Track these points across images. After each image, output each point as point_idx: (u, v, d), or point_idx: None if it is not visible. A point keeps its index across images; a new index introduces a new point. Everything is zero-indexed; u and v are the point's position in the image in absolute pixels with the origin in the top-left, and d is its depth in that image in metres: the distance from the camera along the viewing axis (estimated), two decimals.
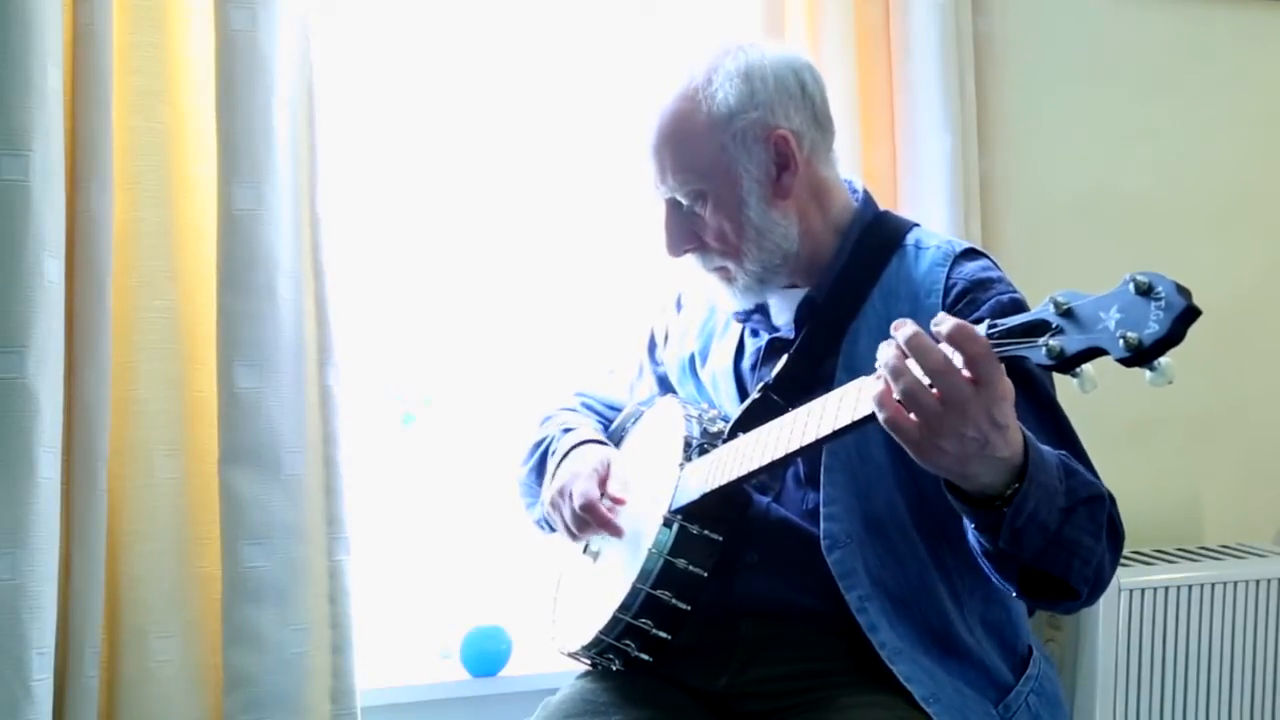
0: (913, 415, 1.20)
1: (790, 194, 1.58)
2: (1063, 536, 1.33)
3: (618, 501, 1.66)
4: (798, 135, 1.57)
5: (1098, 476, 1.46)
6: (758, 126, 1.56)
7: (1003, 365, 1.20)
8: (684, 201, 1.59)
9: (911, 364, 1.20)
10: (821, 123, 1.61)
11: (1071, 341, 1.12)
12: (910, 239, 1.62)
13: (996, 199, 2.50)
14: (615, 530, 1.63)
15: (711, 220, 1.58)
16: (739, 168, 1.56)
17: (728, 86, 1.55)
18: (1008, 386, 1.21)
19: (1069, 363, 1.13)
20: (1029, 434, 1.30)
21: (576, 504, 1.65)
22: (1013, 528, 1.28)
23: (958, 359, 1.19)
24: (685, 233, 1.61)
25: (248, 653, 1.99)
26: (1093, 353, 1.11)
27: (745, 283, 1.60)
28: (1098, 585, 1.40)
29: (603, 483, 1.68)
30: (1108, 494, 1.43)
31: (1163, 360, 1.08)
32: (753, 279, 1.60)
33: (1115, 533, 1.43)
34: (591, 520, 1.64)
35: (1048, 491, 1.30)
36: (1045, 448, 1.35)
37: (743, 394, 1.67)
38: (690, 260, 1.63)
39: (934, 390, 1.18)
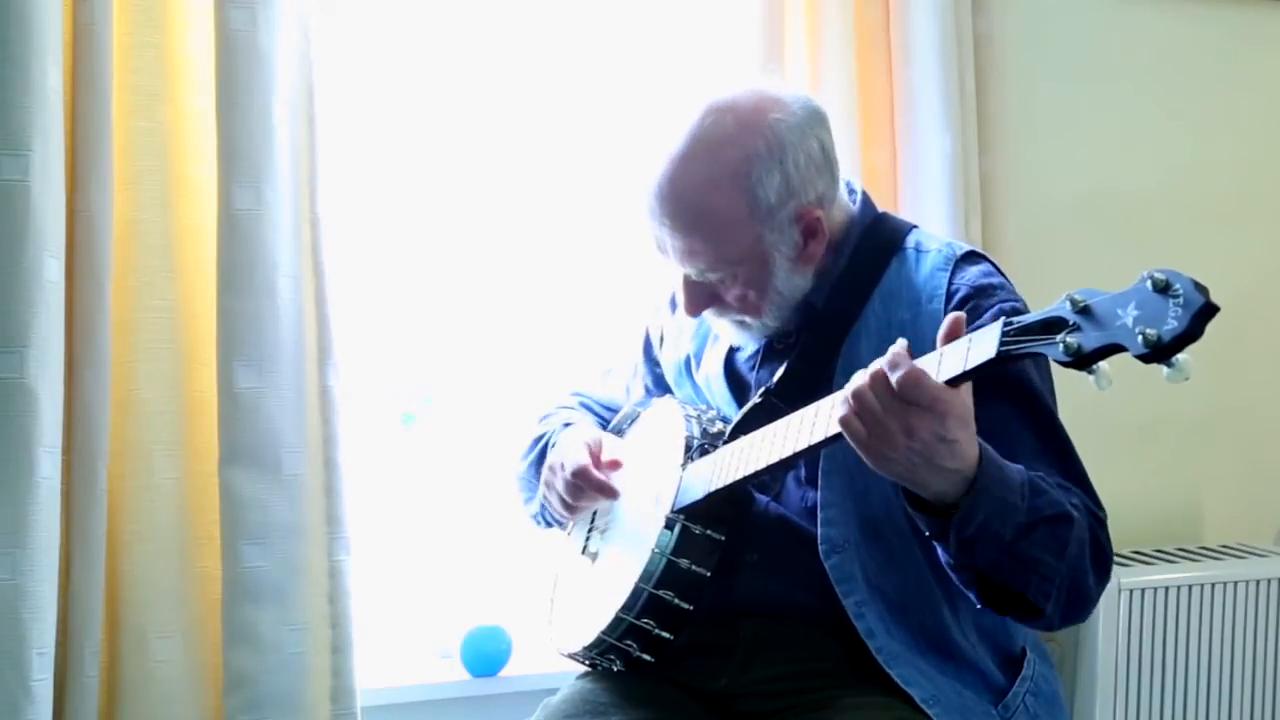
0: (862, 422, 1.28)
1: (816, 258, 1.58)
2: (1019, 551, 1.34)
3: (613, 466, 1.66)
4: (823, 201, 1.56)
5: (1091, 494, 1.46)
6: (794, 210, 1.54)
7: (960, 387, 1.27)
8: (711, 279, 1.58)
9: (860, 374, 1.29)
10: (835, 171, 1.59)
11: (1089, 338, 1.13)
12: (910, 241, 1.62)
13: (996, 199, 2.50)
14: (611, 491, 1.63)
15: (736, 289, 1.57)
16: (773, 251, 1.54)
17: (765, 178, 1.51)
18: (959, 404, 1.27)
19: (1086, 359, 1.13)
20: (988, 449, 1.32)
21: (568, 472, 1.65)
22: (960, 537, 1.32)
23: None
24: (707, 297, 1.60)
25: (248, 653, 1.99)
26: (1111, 349, 1.12)
27: (760, 329, 1.62)
28: (1075, 604, 1.41)
29: (595, 457, 1.68)
30: (1091, 515, 1.43)
31: (1180, 357, 1.09)
32: (768, 329, 1.61)
33: (1100, 553, 1.43)
34: (586, 485, 1.64)
35: (1003, 506, 1.32)
36: (1015, 466, 1.36)
37: (737, 395, 1.67)
38: (706, 312, 1.63)
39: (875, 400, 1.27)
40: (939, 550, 1.39)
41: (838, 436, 1.36)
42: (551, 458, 1.73)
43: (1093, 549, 1.41)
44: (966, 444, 1.29)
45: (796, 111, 1.55)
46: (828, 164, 1.57)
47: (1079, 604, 1.42)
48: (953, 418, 1.26)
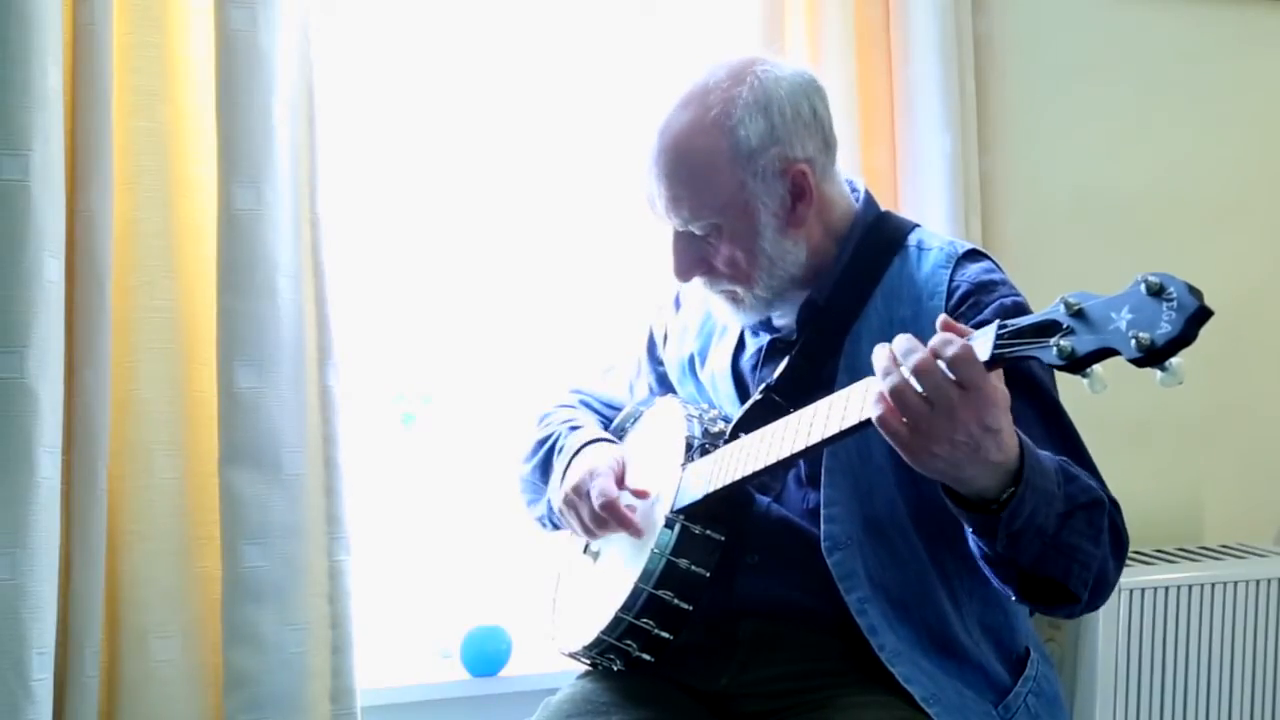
0: (904, 417, 1.23)
1: (804, 223, 1.57)
2: (1061, 541, 1.34)
3: (640, 495, 1.64)
4: (812, 164, 1.56)
5: (1102, 481, 1.46)
6: (777, 161, 1.54)
7: (997, 371, 1.23)
8: (697, 232, 1.58)
9: (901, 366, 1.23)
10: (829, 143, 1.60)
11: (1083, 342, 1.13)
12: (912, 240, 1.62)
13: (996, 199, 2.51)
14: (636, 530, 1.61)
15: (724, 250, 1.57)
16: (757, 203, 1.54)
17: (748, 122, 1.52)
18: (1000, 392, 1.24)
19: (1080, 363, 1.13)
20: (1026, 439, 1.31)
21: (596, 503, 1.62)
22: (1009, 531, 1.30)
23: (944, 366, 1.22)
24: (695, 259, 1.60)
25: (248, 653, 1.99)
26: (1104, 353, 1.12)
27: (752, 304, 1.60)
28: (1099, 590, 1.41)
29: (619, 481, 1.66)
30: (1109, 500, 1.43)
31: (1174, 361, 1.09)
32: (761, 302, 1.60)
33: (1118, 539, 1.43)
34: (611, 519, 1.63)
35: (1045, 496, 1.31)
36: (1044, 453, 1.36)
37: (742, 394, 1.67)
38: (696, 281, 1.63)
39: (921, 392, 1.22)
40: (974, 544, 1.37)
41: (840, 435, 1.35)
42: (575, 476, 1.68)
43: (1112, 533, 1.41)
44: (1009, 434, 1.26)
45: (788, 71, 1.58)
46: (819, 129, 1.58)
47: (1103, 589, 1.41)
48: (994, 404, 1.23)
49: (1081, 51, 2.64)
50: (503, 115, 2.42)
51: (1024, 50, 2.57)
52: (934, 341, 1.23)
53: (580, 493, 1.66)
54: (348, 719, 2.08)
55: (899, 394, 1.23)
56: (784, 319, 1.64)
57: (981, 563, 1.40)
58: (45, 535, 1.83)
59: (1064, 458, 1.41)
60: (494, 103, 2.41)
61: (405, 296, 2.42)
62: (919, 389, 1.22)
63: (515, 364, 2.47)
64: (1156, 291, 1.09)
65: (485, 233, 2.45)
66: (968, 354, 1.21)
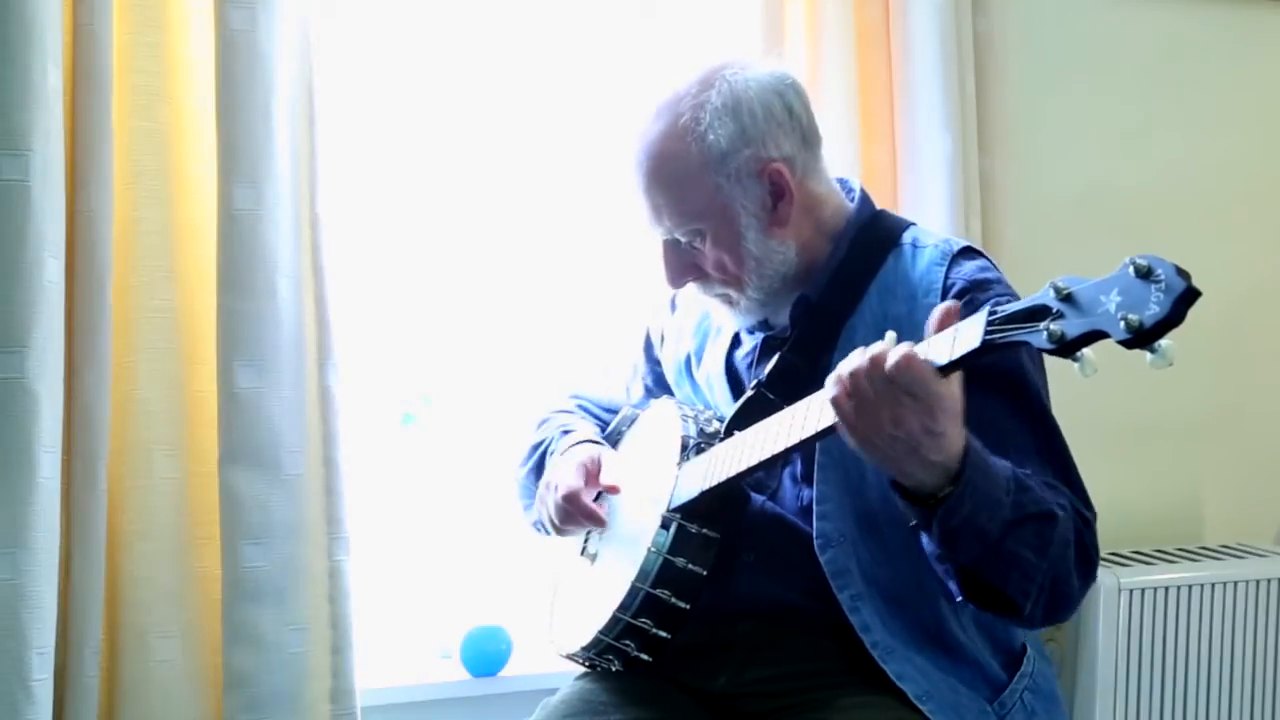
0: (851, 399, 1.28)
1: (788, 221, 1.57)
2: (1003, 548, 1.35)
3: (610, 490, 1.66)
4: (789, 162, 1.56)
5: (1080, 493, 1.47)
6: (751, 163, 1.54)
7: (954, 377, 1.26)
8: (682, 239, 1.59)
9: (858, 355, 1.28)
10: (810, 140, 1.60)
11: (1072, 325, 1.13)
12: (907, 237, 1.62)
13: (996, 199, 2.50)
14: (598, 520, 1.64)
15: (711, 254, 1.57)
16: (735, 206, 1.55)
17: (718, 125, 1.53)
18: (951, 398, 1.27)
19: (1070, 346, 1.14)
20: (976, 444, 1.32)
21: (559, 495, 1.65)
22: (944, 528, 1.32)
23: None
24: (685, 266, 1.61)
25: (248, 653, 1.99)
26: (1094, 336, 1.12)
27: (747, 305, 1.61)
28: (1056, 604, 1.41)
29: (591, 477, 1.68)
30: (1075, 515, 1.43)
31: (1163, 342, 1.09)
32: (755, 303, 1.61)
33: (1084, 555, 1.43)
34: (574, 510, 1.64)
35: (988, 500, 1.32)
36: (1001, 462, 1.36)
37: (737, 393, 1.67)
38: (691, 287, 1.63)
39: (867, 384, 1.26)
40: (923, 538, 1.39)
41: (830, 430, 1.36)
42: (548, 474, 1.73)
43: (1078, 550, 1.41)
44: (953, 437, 1.29)
45: (760, 72, 1.57)
46: (796, 126, 1.57)
47: (1061, 604, 1.42)
48: (941, 410, 1.26)
49: (1081, 51, 2.64)
50: (503, 116, 2.42)
51: (1024, 50, 2.57)
52: (881, 345, 1.27)
53: (549, 486, 1.69)
54: (347, 719, 2.08)
55: (853, 378, 1.27)
56: (779, 316, 1.64)
57: (932, 558, 1.41)
58: (45, 535, 1.83)
59: (1026, 470, 1.41)
60: (494, 104, 2.41)
61: (405, 297, 2.42)
62: (865, 381, 1.26)
63: (514, 365, 2.47)
64: (1144, 273, 1.09)
65: (485, 233, 2.45)
66: (908, 366, 1.24)
